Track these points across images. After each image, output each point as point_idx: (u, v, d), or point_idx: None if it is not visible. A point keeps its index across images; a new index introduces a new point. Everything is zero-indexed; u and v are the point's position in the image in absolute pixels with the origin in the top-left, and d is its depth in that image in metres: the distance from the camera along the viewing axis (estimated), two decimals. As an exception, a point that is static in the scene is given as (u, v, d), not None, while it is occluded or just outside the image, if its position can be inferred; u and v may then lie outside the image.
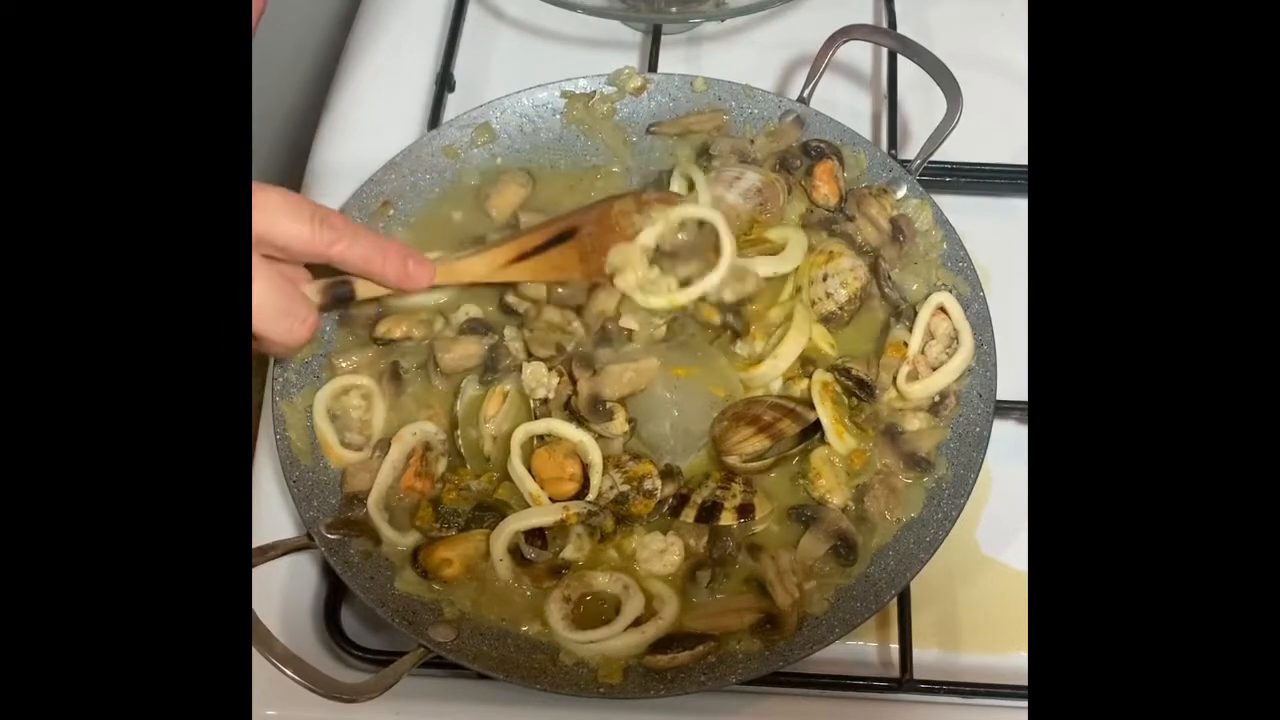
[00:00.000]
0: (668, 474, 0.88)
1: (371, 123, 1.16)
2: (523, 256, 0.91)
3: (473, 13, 1.21)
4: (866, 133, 1.07)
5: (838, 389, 0.91)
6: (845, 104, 1.14)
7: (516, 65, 1.19)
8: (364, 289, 0.83)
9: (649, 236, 0.92)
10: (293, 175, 1.16)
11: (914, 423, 0.90)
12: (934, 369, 0.91)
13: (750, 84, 1.04)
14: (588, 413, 0.87)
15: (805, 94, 1.03)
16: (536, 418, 0.90)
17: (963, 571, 0.91)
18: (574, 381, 0.90)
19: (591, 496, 0.86)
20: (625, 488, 0.86)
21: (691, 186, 0.99)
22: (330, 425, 0.90)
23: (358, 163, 1.03)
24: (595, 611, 0.84)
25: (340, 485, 0.89)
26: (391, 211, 1.00)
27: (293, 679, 0.74)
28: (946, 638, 0.89)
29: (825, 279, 0.93)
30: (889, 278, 0.94)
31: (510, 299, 0.93)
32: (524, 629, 0.83)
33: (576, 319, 0.92)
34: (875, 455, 0.89)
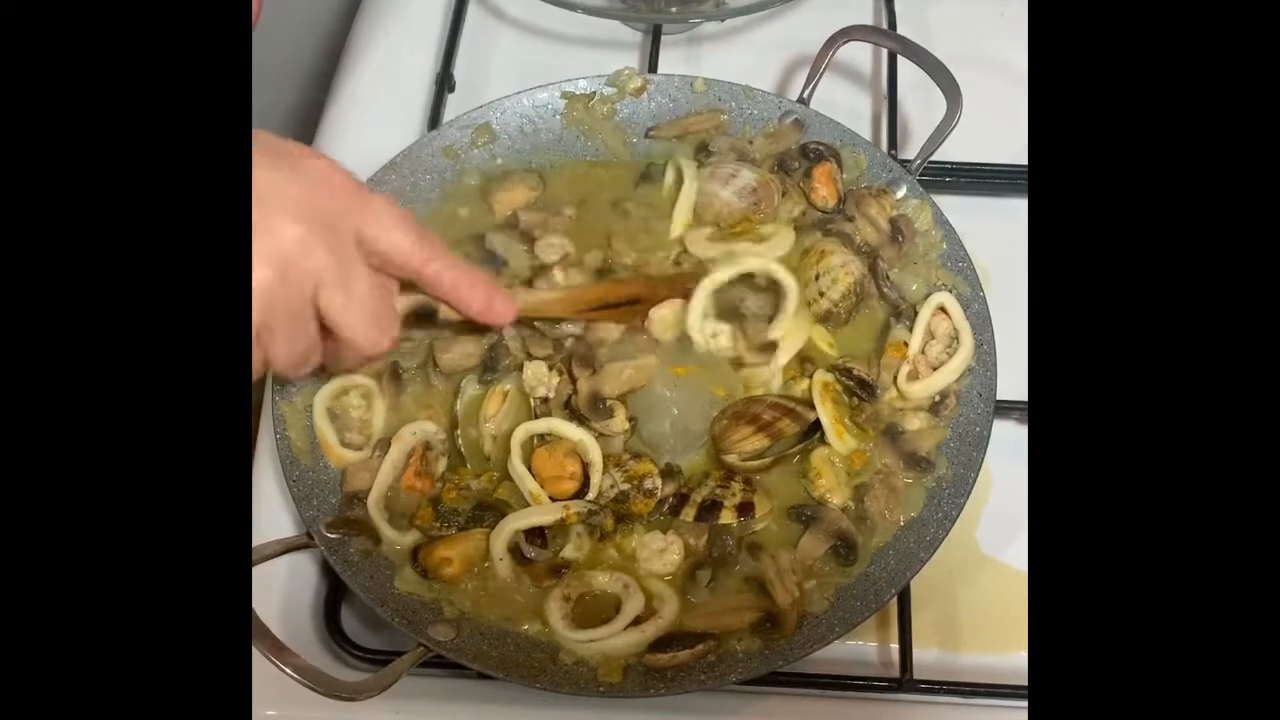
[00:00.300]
0: (668, 473, 0.88)
1: (371, 123, 1.16)
2: (601, 306, 0.91)
3: (473, 13, 1.21)
4: (866, 133, 1.07)
5: (838, 389, 0.91)
6: (845, 104, 1.14)
7: (516, 65, 1.19)
8: (446, 312, 0.82)
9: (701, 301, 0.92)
10: (293, 175, 1.16)
11: (914, 422, 0.90)
12: (934, 369, 0.91)
13: (750, 84, 1.04)
14: (588, 410, 0.87)
15: (805, 94, 1.03)
16: (537, 417, 0.90)
17: (963, 571, 0.91)
18: (574, 380, 0.90)
19: (592, 495, 0.87)
20: (626, 487, 0.86)
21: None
22: (330, 425, 0.90)
23: (358, 163, 1.02)
24: (595, 610, 0.84)
25: (340, 485, 0.89)
26: (392, 211, 1.00)
27: (293, 678, 0.74)
28: (946, 637, 0.89)
29: (818, 278, 0.93)
30: (887, 278, 0.94)
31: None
32: (524, 628, 0.83)
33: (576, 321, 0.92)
34: (875, 455, 0.89)
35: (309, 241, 0.67)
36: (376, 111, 1.17)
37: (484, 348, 0.92)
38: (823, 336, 0.93)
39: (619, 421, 0.88)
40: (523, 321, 0.90)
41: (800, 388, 0.91)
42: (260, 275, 0.65)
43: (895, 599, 0.86)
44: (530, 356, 0.91)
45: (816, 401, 0.89)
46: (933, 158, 0.99)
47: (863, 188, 0.99)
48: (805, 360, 0.92)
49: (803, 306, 0.93)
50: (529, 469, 0.87)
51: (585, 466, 0.87)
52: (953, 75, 0.97)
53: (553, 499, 0.86)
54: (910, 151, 1.06)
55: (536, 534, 0.85)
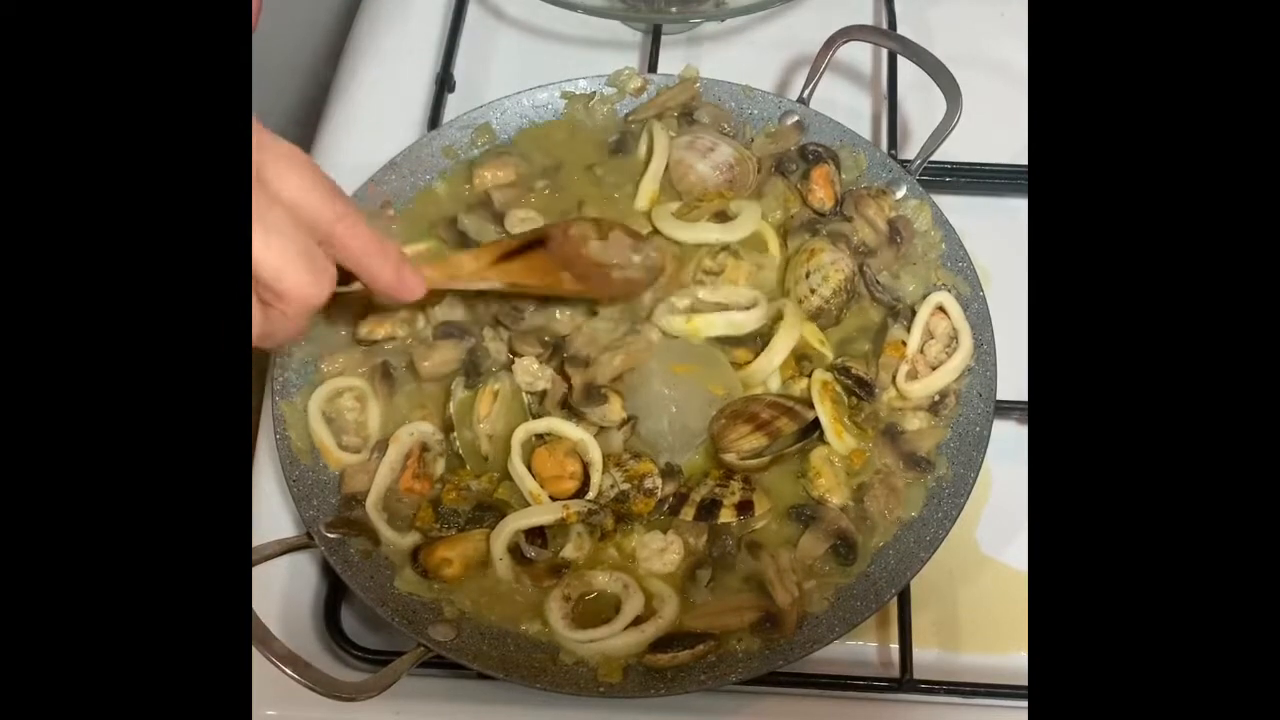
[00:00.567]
0: (668, 472, 0.88)
1: (371, 123, 1.16)
2: (505, 258, 0.89)
3: (473, 13, 1.21)
4: (866, 133, 1.07)
5: (837, 388, 0.91)
6: (845, 104, 1.14)
7: (516, 65, 1.19)
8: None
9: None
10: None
11: (914, 422, 0.90)
12: (933, 368, 0.91)
13: (750, 84, 1.05)
14: (583, 401, 0.87)
15: (805, 94, 1.03)
16: (534, 414, 0.90)
17: (963, 571, 0.91)
18: (568, 380, 0.90)
19: (592, 495, 0.87)
20: (626, 486, 0.86)
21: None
22: (326, 428, 0.90)
23: (358, 163, 1.03)
24: (595, 610, 0.84)
25: (339, 486, 0.89)
26: (391, 211, 1.00)
27: (293, 678, 0.75)
28: (946, 638, 0.89)
29: (808, 275, 0.93)
30: (877, 281, 0.95)
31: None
32: (524, 628, 0.83)
33: (563, 310, 0.93)
34: (875, 455, 0.89)
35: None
36: (376, 111, 1.17)
37: (462, 352, 0.92)
38: (814, 334, 0.92)
39: (614, 409, 0.88)
40: (446, 292, 0.89)
41: (799, 387, 0.91)
42: None
43: (895, 599, 0.86)
44: (516, 355, 0.91)
45: (815, 401, 0.88)
46: (933, 158, 0.99)
47: (861, 188, 0.99)
48: (803, 359, 0.92)
49: (794, 303, 0.93)
50: (529, 469, 0.87)
51: (585, 466, 0.87)
52: (953, 75, 0.98)
53: (553, 498, 0.86)
54: (910, 151, 1.06)
55: (536, 534, 0.85)
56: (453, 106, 1.13)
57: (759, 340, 0.92)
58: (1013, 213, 1.06)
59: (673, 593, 0.84)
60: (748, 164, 1.00)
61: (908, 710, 0.86)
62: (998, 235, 1.01)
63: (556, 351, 0.91)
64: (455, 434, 0.90)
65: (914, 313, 0.93)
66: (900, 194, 0.98)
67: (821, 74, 1.03)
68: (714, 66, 1.07)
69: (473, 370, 0.91)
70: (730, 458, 0.87)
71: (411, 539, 0.87)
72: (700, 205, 0.98)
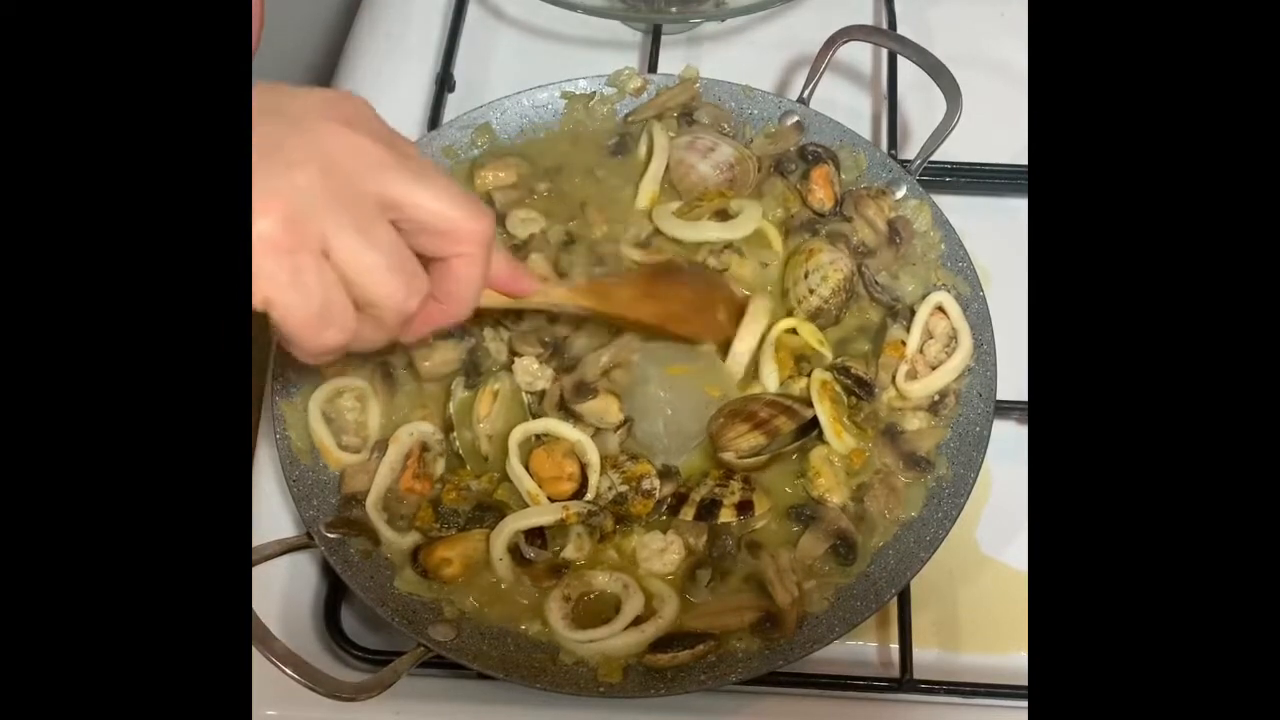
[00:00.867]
0: (666, 473, 0.88)
1: (371, 122, 1.16)
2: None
3: (473, 13, 1.21)
4: (866, 133, 1.07)
5: (837, 388, 0.91)
6: (845, 104, 1.14)
7: (516, 65, 1.19)
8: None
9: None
10: (293, 175, 1.16)
11: (914, 422, 0.90)
12: (933, 368, 0.91)
13: (750, 84, 1.05)
14: (573, 398, 0.87)
15: (805, 94, 1.04)
16: (534, 414, 0.90)
17: (963, 571, 0.91)
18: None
19: (590, 496, 0.86)
20: (624, 488, 0.86)
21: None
22: (326, 428, 0.90)
23: (358, 163, 1.03)
24: (595, 611, 0.84)
25: (339, 486, 0.89)
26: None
27: (293, 678, 0.74)
28: (946, 638, 0.89)
29: (807, 275, 0.93)
30: (875, 282, 0.95)
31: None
32: (524, 628, 0.83)
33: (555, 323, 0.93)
34: (875, 454, 0.89)
35: (318, 189, 0.62)
36: (376, 111, 1.16)
37: (462, 353, 0.92)
38: (813, 334, 0.92)
39: (612, 411, 0.88)
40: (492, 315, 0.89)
41: (798, 386, 0.91)
42: (260, 225, 0.60)
43: (895, 599, 0.86)
44: (516, 354, 0.91)
45: (815, 400, 0.88)
46: (933, 158, 0.99)
47: (861, 189, 0.99)
48: (802, 359, 0.92)
49: (762, 291, 0.94)
50: (527, 469, 0.87)
51: (583, 467, 0.87)
52: (953, 75, 0.98)
53: (551, 499, 0.86)
54: (910, 151, 1.06)
55: (536, 534, 0.85)
56: (453, 106, 1.13)
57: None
58: (1013, 213, 1.06)
59: (673, 593, 0.84)
60: (748, 164, 1.00)
61: (908, 710, 0.85)
62: (998, 235, 1.01)
63: (557, 352, 0.91)
64: (455, 434, 0.90)
65: (913, 313, 0.93)
66: (900, 194, 0.98)
67: (821, 74, 1.03)
68: (714, 66, 1.07)
69: (473, 370, 0.91)
70: (728, 456, 0.87)
71: (411, 539, 0.87)
72: (701, 204, 0.98)
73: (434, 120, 1.11)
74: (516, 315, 0.92)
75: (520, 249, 0.96)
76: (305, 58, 1.74)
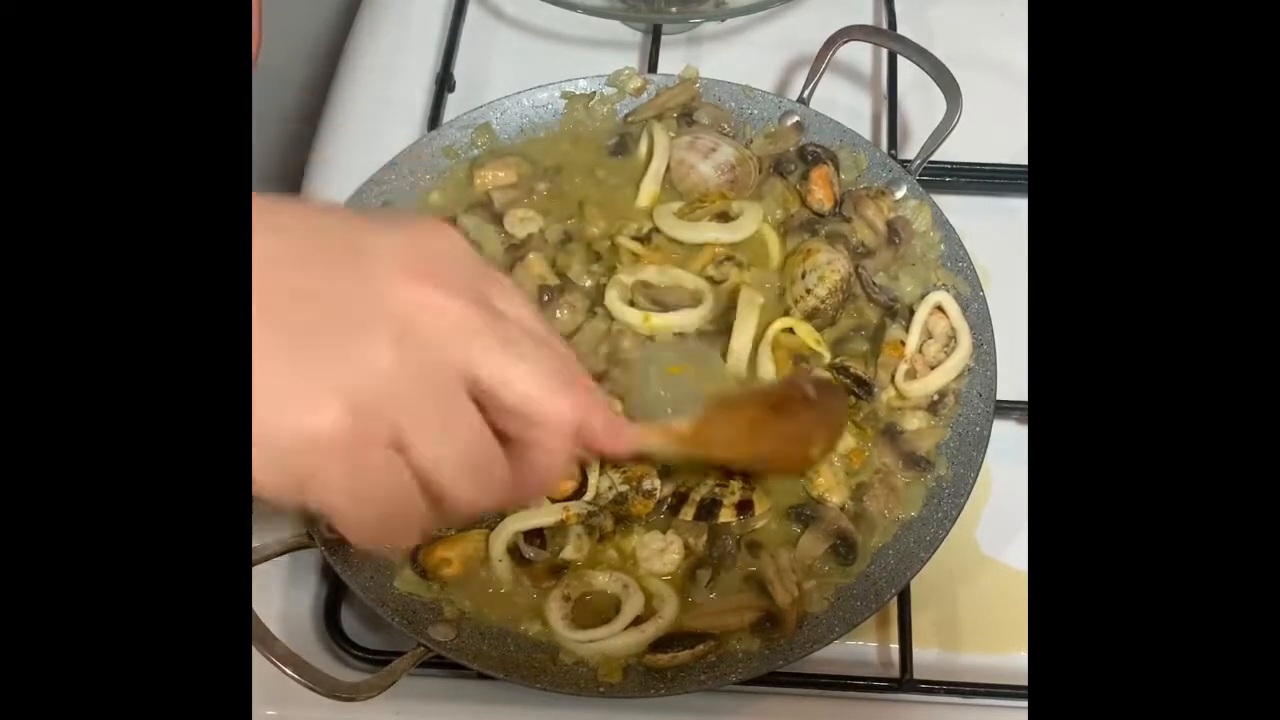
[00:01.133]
0: (666, 473, 0.88)
1: (371, 123, 1.16)
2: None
3: (473, 13, 1.21)
4: (866, 133, 1.07)
5: (836, 388, 0.91)
6: (845, 104, 1.14)
7: (516, 65, 1.19)
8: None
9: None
10: (293, 175, 1.16)
11: (913, 422, 0.90)
12: (932, 368, 0.91)
13: (750, 84, 1.05)
14: None
15: (805, 94, 1.04)
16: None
17: (963, 571, 0.91)
18: None
19: (589, 496, 0.86)
20: (624, 488, 0.86)
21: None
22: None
23: (358, 163, 1.03)
24: (595, 611, 0.84)
25: (340, 485, 0.89)
26: (391, 212, 1.00)
27: (293, 678, 0.74)
28: (946, 638, 0.89)
29: (804, 276, 0.93)
30: (873, 282, 0.95)
31: None
32: (524, 628, 0.83)
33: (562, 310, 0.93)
34: (874, 454, 0.89)
35: (391, 368, 0.54)
36: (376, 111, 1.17)
37: None
38: (809, 334, 0.92)
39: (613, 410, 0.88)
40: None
41: (799, 387, 0.91)
42: (327, 417, 0.52)
43: (895, 599, 0.86)
44: None
45: (815, 400, 0.88)
46: (933, 158, 0.99)
47: (861, 189, 0.99)
48: (800, 359, 0.92)
49: (747, 284, 0.94)
50: (527, 469, 0.87)
51: (583, 467, 0.87)
52: (953, 75, 0.98)
53: (550, 500, 0.86)
54: (910, 151, 1.06)
55: (536, 535, 0.85)
56: (453, 106, 1.13)
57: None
58: (1013, 213, 1.06)
59: (673, 593, 0.84)
60: (749, 164, 1.00)
61: (908, 710, 0.86)
62: (998, 235, 1.01)
63: None
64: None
65: (912, 312, 0.93)
66: (900, 194, 0.98)
67: (821, 74, 1.03)
68: (714, 66, 1.07)
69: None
70: (729, 456, 0.87)
71: (411, 539, 0.87)
72: (702, 205, 0.98)
73: (434, 120, 1.11)
74: None
75: (518, 248, 0.96)
76: (305, 57, 1.74)
